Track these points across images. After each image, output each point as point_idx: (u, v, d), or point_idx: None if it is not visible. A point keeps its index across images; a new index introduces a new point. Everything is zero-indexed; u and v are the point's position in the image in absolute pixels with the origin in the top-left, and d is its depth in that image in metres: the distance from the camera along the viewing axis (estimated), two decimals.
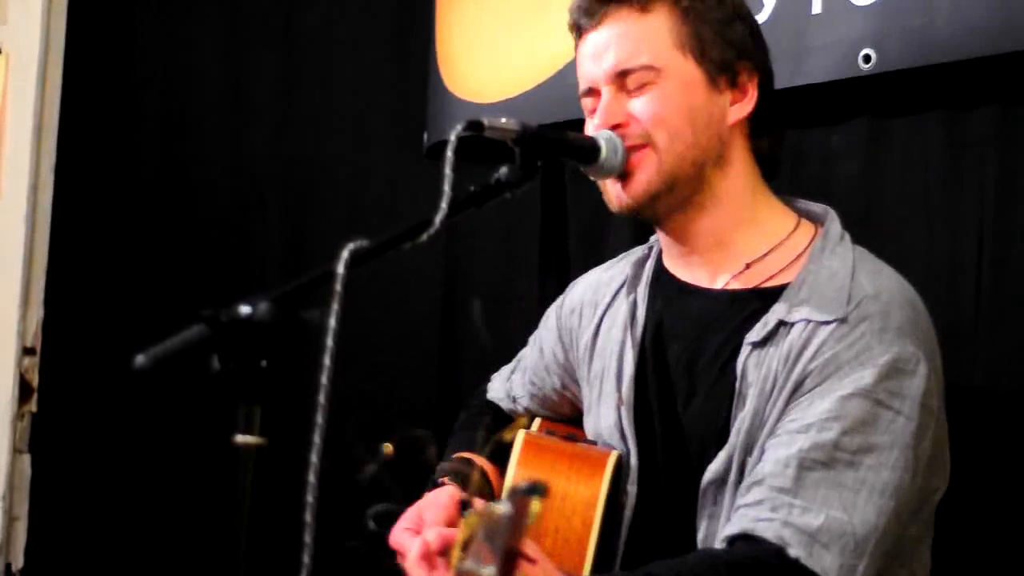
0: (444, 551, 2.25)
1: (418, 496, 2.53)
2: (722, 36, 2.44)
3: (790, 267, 2.42)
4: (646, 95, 2.41)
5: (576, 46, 2.52)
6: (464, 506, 2.42)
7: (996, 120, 2.96)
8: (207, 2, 4.74)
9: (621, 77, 2.42)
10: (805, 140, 3.23)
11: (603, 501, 2.39)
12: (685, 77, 2.42)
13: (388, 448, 2.47)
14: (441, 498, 2.49)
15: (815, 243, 2.43)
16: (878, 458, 2.22)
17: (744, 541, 2.22)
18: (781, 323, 2.34)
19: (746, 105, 2.46)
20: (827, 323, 2.30)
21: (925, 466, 2.30)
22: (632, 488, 2.47)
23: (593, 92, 2.47)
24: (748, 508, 2.24)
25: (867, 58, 3.03)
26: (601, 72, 2.44)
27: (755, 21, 2.53)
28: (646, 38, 2.42)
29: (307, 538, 1.80)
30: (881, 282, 2.36)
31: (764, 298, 2.40)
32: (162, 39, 4.86)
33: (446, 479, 2.57)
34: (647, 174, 2.40)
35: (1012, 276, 2.93)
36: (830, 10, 3.10)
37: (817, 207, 2.52)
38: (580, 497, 2.39)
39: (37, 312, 4.87)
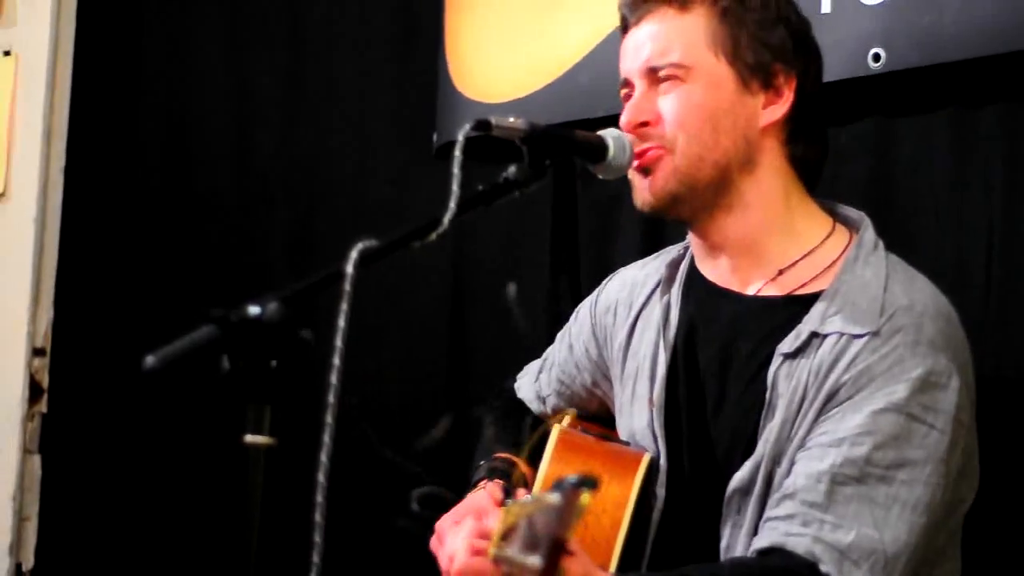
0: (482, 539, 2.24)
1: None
2: (759, 38, 2.44)
3: (823, 275, 2.41)
4: (672, 94, 2.42)
5: (622, 39, 2.55)
6: (506, 494, 2.42)
7: (1004, 118, 2.96)
8: (212, 3, 4.74)
9: (652, 74, 2.44)
10: None
11: (633, 502, 2.38)
12: (714, 77, 2.42)
13: (442, 425, 2.47)
14: (480, 499, 2.50)
15: (849, 252, 2.42)
16: (911, 473, 2.22)
17: (775, 555, 2.22)
18: (814, 335, 2.33)
19: (780, 108, 2.45)
20: (860, 336, 2.29)
21: (955, 480, 2.29)
22: (661, 491, 2.47)
23: (628, 84, 2.50)
24: (779, 522, 2.24)
25: (876, 57, 3.03)
26: (635, 67, 2.47)
27: (805, 25, 2.52)
28: (680, 36, 2.44)
29: (317, 538, 1.81)
30: (915, 294, 2.35)
31: (796, 306, 2.39)
32: (168, 40, 4.85)
33: (485, 479, 2.56)
34: (663, 173, 2.40)
35: (1021, 274, 2.92)
36: (839, 9, 3.10)
37: (853, 213, 2.51)
38: (610, 497, 2.38)
39: (47, 313, 4.87)
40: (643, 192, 2.44)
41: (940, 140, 3.06)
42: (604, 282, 2.81)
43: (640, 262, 2.77)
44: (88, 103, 4.93)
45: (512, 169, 2.20)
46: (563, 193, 3.71)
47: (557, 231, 3.78)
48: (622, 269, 2.80)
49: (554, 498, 1.60)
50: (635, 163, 2.42)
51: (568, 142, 2.35)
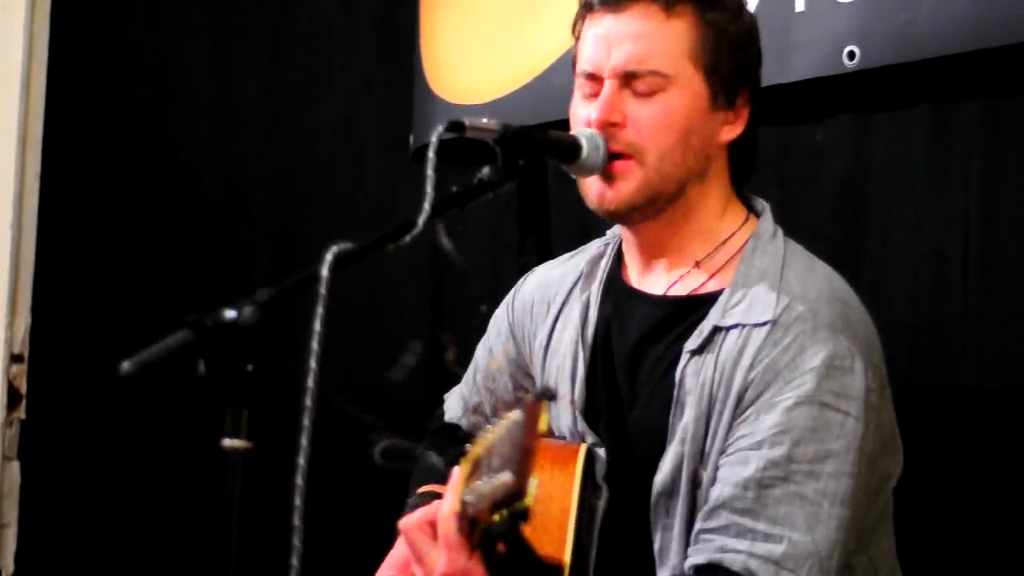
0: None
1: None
2: (734, 56, 2.41)
3: (726, 267, 2.41)
4: (650, 103, 2.37)
5: (583, 21, 2.47)
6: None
7: (981, 114, 2.97)
8: (193, 7, 4.74)
9: (629, 75, 2.38)
10: (790, 137, 3.23)
11: (578, 488, 2.38)
12: (692, 91, 2.38)
13: (409, 356, 2.45)
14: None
15: (748, 243, 2.42)
16: (836, 465, 2.22)
17: (712, 573, 2.22)
18: (716, 328, 2.33)
19: (736, 128, 2.44)
20: (759, 326, 2.29)
21: (869, 459, 2.28)
22: (603, 484, 2.44)
23: (594, 77, 2.41)
24: (713, 535, 2.24)
25: (851, 55, 3.03)
26: (610, 64, 2.39)
27: (760, 46, 2.50)
28: (664, 42, 2.38)
29: (295, 541, 1.80)
30: (808, 281, 2.35)
31: (702, 304, 2.38)
32: (148, 43, 4.85)
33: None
34: (630, 186, 2.37)
35: (998, 270, 2.93)
36: (814, 7, 3.10)
37: (758, 203, 2.50)
38: (556, 484, 2.37)
39: (25, 319, 4.87)
40: (603, 197, 2.39)
41: (916, 137, 3.07)
42: (519, 282, 2.78)
43: (558, 259, 2.73)
44: (64, 108, 4.92)
45: (486, 170, 2.19)
46: (532, 193, 3.70)
47: (525, 232, 3.76)
48: (538, 267, 2.76)
49: (515, 415, 1.61)
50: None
51: (541, 142, 2.33)
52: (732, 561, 2.19)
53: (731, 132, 2.44)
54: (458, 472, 2.00)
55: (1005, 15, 2.82)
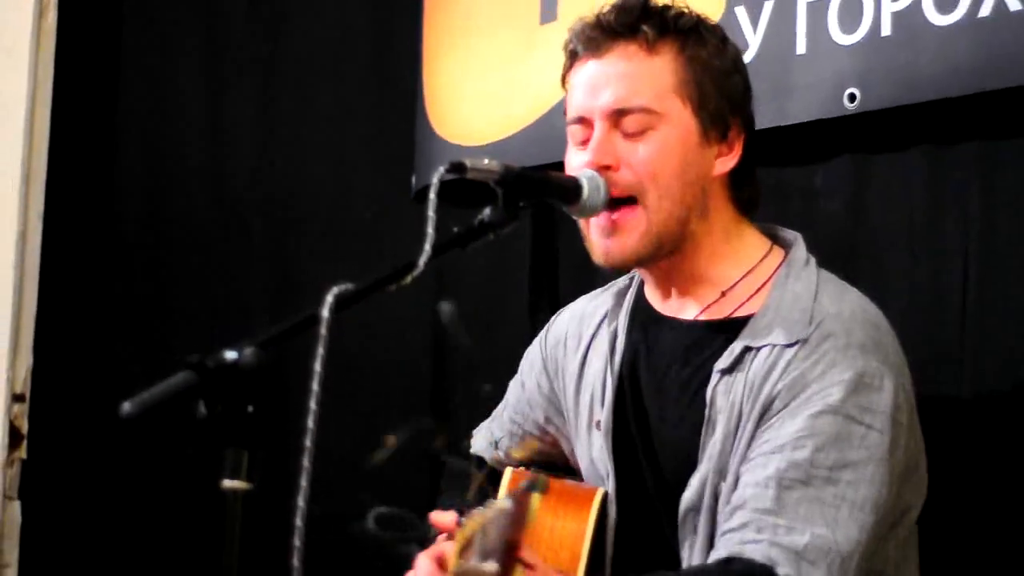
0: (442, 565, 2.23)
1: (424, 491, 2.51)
2: (721, 88, 2.44)
3: (758, 294, 2.44)
4: (642, 142, 2.40)
5: (569, 69, 2.50)
6: (460, 514, 2.41)
7: (978, 155, 2.97)
8: (190, 42, 4.75)
9: (618, 116, 2.41)
10: (789, 178, 3.24)
11: (591, 534, 2.40)
12: (682, 126, 2.41)
13: (390, 440, 2.45)
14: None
15: (780, 270, 2.45)
16: (855, 474, 2.24)
17: (734, 562, 2.23)
18: (747, 348, 2.36)
19: (730, 160, 2.47)
20: (791, 345, 2.32)
21: (899, 477, 2.30)
22: (612, 512, 2.48)
23: (584, 122, 2.45)
24: (733, 532, 2.25)
25: (852, 97, 3.04)
26: (598, 107, 2.42)
27: (747, 75, 2.53)
28: (650, 80, 2.41)
29: None
30: (843, 303, 2.38)
31: (733, 328, 2.41)
32: (145, 81, 4.88)
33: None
34: (635, 237, 2.40)
35: (996, 310, 2.93)
36: (815, 49, 3.12)
37: (788, 234, 2.54)
38: (568, 531, 2.39)
39: (26, 359, 4.86)
40: (608, 253, 2.43)
41: (915, 178, 3.08)
42: (553, 317, 2.83)
43: (589, 295, 2.78)
44: (66, 149, 4.93)
45: (487, 211, 2.20)
46: (542, 231, 3.71)
47: (536, 269, 3.78)
48: (571, 304, 2.81)
49: (505, 503, 1.62)
50: (604, 219, 2.41)
51: (542, 184, 2.35)
52: (753, 551, 2.20)
53: (726, 164, 2.47)
54: (452, 545, 2.02)
55: (1004, 59, 2.83)
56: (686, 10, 2.47)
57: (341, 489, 2.79)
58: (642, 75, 2.41)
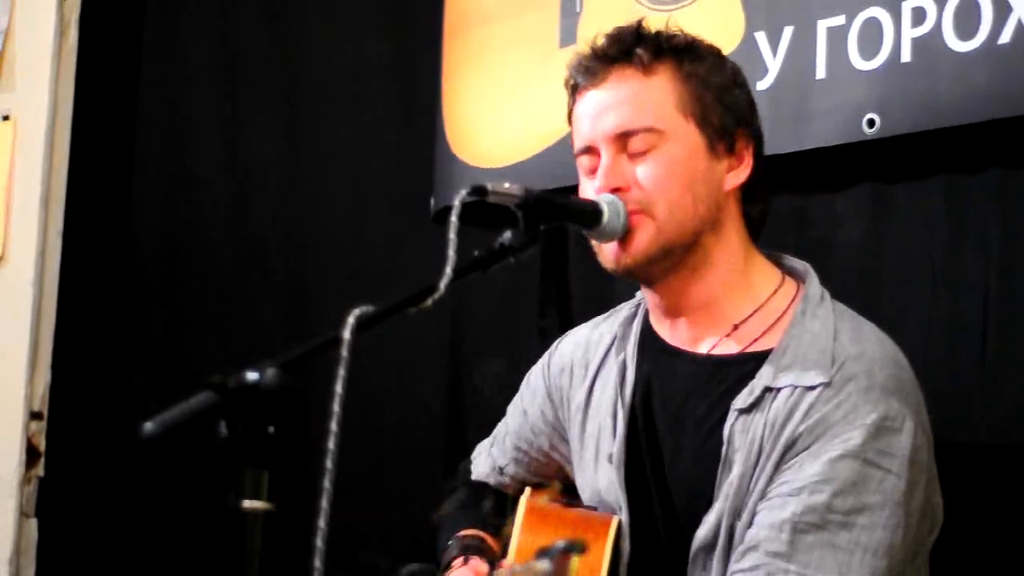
0: None
1: None
2: (722, 102, 2.44)
3: (773, 329, 2.42)
4: (648, 160, 2.40)
5: (573, 104, 2.51)
6: (491, 567, 2.42)
7: (998, 183, 2.98)
8: (209, 67, 4.77)
9: (622, 139, 2.41)
10: (809, 204, 3.24)
11: (607, 565, 2.39)
12: (687, 142, 2.41)
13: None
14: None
15: (796, 306, 2.43)
16: (871, 518, 2.23)
17: None
18: (767, 389, 2.34)
19: (742, 172, 2.46)
20: (812, 388, 2.30)
21: (916, 520, 2.30)
22: (626, 544, 2.47)
23: (591, 151, 2.45)
24: (744, 574, 2.25)
25: (871, 122, 3.05)
26: (601, 133, 2.43)
27: (749, 89, 2.53)
28: (649, 100, 2.41)
29: None
30: (863, 343, 2.36)
31: (749, 363, 2.40)
32: (165, 105, 4.90)
33: (459, 557, 2.57)
34: (645, 239, 2.39)
35: (1018, 338, 2.93)
36: (834, 75, 3.12)
37: (798, 264, 2.53)
38: (584, 562, 2.39)
39: (44, 376, 4.87)
40: (618, 256, 2.42)
41: (935, 205, 3.07)
42: (555, 344, 2.81)
43: (591, 322, 2.76)
44: (86, 167, 4.95)
45: (507, 234, 2.20)
46: (553, 256, 3.72)
47: (546, 293, 3.78)
48: (573, 330, 2.79)
49: (544, 565, 1.61)
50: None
51: (563, 208, 2.35)
52: None
53: (737, 177, 2.46)
54: None
55: (1023, 85, 2.84)
56: (679, 32, 2.48)
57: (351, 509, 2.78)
58: (641, 96, 2.42)
